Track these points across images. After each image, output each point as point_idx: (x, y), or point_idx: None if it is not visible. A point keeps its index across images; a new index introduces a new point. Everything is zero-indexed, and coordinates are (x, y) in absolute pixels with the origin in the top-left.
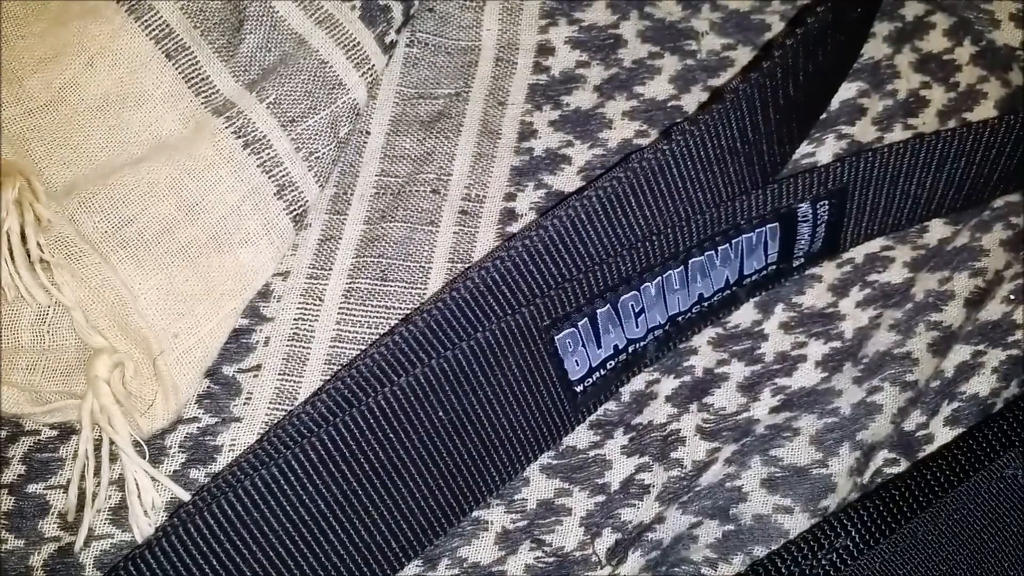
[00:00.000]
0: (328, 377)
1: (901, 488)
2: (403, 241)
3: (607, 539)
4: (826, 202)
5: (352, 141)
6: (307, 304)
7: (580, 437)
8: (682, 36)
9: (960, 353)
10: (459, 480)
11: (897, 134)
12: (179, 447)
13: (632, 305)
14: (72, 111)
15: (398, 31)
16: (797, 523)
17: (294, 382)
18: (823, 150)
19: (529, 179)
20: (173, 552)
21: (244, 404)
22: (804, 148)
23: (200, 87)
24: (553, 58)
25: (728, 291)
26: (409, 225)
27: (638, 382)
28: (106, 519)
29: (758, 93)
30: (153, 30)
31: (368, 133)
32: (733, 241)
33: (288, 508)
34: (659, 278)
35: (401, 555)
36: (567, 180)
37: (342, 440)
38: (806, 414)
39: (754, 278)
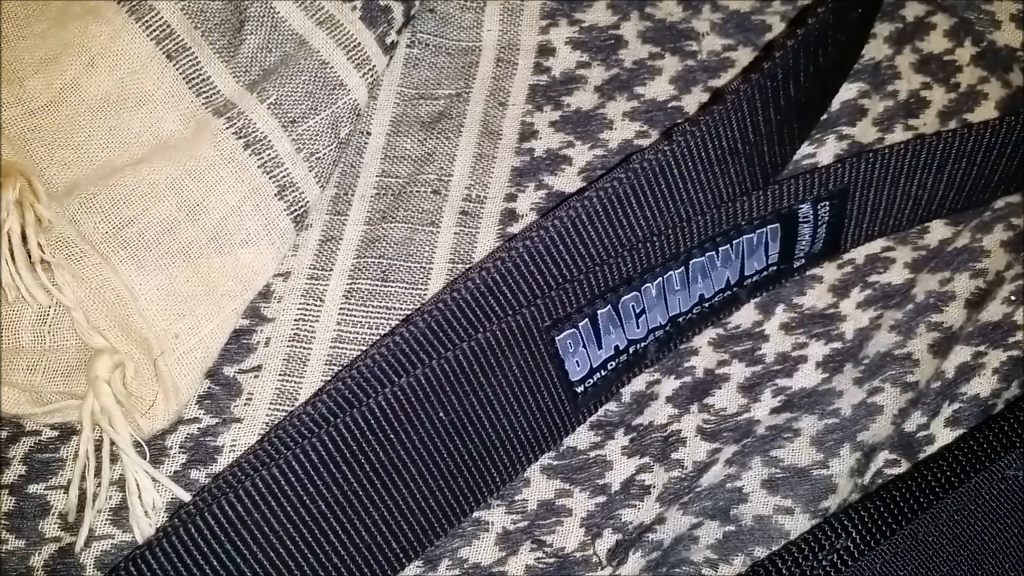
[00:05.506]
0: (329, 378)
1: (902, 489)
2: (404, 242)
3: (608, 540)
4: (827, 203)
5: (353, 142)
6: (308, 305)
7: (581, 438)
8: (683, 37)
9: (961, 354)
10: (460, 481)
11: (898, 135)
12: (180, 448)
13: (633, 306)
14: (73, 112)
15: (399, 32)
16: (798, 524)
17: (295, 383)
18: (824, 151)
19: (530, 180)
20: (174, 553)
21: (245, 405)
22: (805, 149)
23: (201, 88)
24: (554, 59)
25: (729, 292)
26: (410, 226)
27: (639, 383)
28: (107, 519)
29: (759, 94)
30: (154, 31)
31: (369, 134)
32: (734, 242)
33: (289, 509)
34: (660, 279)
35: (402, 556)
36: (568, 181)
37: (343, 441)
38: (807, 415)
39: (755, 279)
